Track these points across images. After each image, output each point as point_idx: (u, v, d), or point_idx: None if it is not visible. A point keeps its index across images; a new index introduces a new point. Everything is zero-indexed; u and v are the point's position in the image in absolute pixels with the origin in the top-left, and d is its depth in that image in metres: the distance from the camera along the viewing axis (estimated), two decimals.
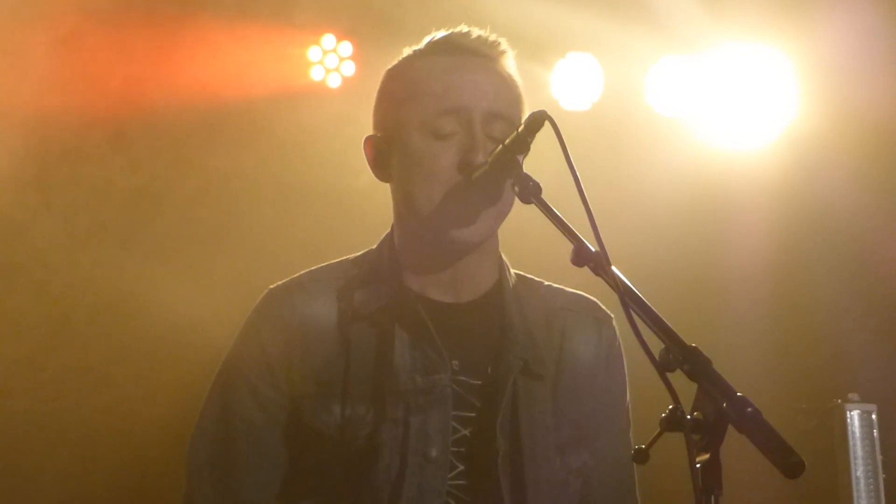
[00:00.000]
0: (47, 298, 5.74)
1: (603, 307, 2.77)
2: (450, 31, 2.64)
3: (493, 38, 2.63)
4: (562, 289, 2.74)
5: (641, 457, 2.03)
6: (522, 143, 2.41)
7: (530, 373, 2.59)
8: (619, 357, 2.73)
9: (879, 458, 5.36)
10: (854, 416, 5.41)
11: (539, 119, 2.36)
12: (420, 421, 2.52)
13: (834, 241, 6.00)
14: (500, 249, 2.72)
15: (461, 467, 2.55)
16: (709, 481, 1.93)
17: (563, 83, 6.15)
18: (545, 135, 2.41)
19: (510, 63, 2.64)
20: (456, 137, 2.53)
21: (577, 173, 2.27)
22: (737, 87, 6.08)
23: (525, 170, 2.45)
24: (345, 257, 2.73)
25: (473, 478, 2.55)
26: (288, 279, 2.70)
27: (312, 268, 2.72)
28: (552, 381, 2.62)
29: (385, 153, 2.62)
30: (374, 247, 2.71)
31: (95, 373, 5.74)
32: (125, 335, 5.75)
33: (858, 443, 5.37)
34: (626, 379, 2.75)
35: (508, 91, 2.60)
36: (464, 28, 2.65)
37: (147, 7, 5.70)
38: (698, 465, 1.94)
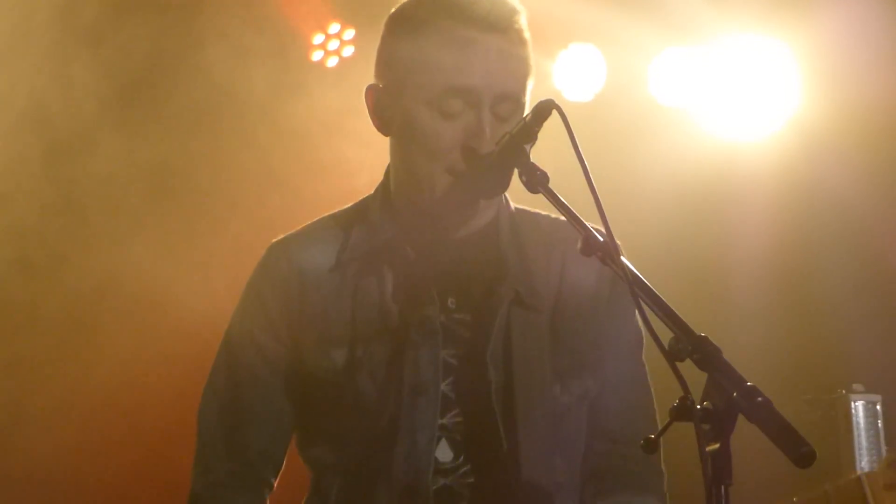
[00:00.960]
0: (61, 292, 5.74)
1: None
2: None
3: (507, 4, 2.55)
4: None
5: (650, 446, 2.03)
6: (530, 132, 2.38)
7: (524, 304, 2.58)
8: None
9: (884, 448, 5.35)
10: (858, 407, 5.40)
11: (547, 108, 2.33)
12: (412, 357, 2.52)
13: (838, 232, 5.99)
14: None
15: (458, 403, 2.55)
16: (719, 471, 1.92)
17: (566, 74, 6.14)
18: (545, 125, 2.40)
19: (523, 26, 2.56)
20: (462, 118, 2.50)
21: (586, 162, 2.25)
22: (740, 78, 6.06)
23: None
24: (345, 206, 2.73)
25: (470, 413, 2.54)
26: (288, 232, 2.72)
27: (314, 220, 2.74)
28: (550, 311, 2.60)
29: (387, 108, 2.59)
30: (371, 193, 2.71)
31: (111, 364, 5.74)
32: (141, 327, 5.75)
33: (863, 433, 5.37)
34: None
35: (519, 67, 2.55)
36: None
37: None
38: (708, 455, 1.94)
